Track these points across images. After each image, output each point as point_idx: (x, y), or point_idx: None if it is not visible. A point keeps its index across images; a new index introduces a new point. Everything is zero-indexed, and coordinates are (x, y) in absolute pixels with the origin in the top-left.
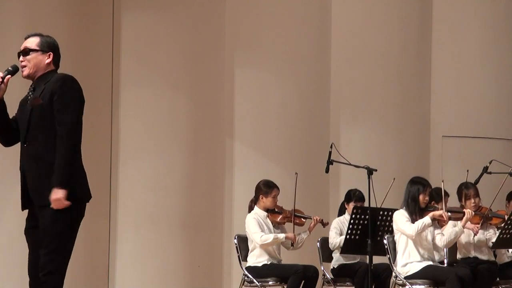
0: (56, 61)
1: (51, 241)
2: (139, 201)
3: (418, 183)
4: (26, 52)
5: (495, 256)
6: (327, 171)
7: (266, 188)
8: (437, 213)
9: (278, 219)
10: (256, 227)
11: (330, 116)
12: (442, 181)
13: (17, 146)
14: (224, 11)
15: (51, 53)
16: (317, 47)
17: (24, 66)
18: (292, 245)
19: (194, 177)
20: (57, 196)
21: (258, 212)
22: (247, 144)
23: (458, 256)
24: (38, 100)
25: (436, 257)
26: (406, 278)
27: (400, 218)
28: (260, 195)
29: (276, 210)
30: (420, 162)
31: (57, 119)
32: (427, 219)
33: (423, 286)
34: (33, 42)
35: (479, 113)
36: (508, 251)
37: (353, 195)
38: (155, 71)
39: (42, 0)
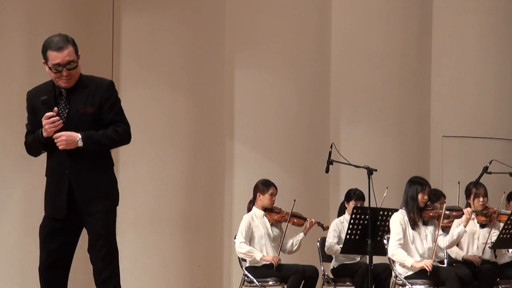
0: None
1: (104, 245)
2: (139, 201)
3: (417, 183)
4: (73, 66)
5: (495, 256)
6: (327, 171)
7: (263, 186)
8: (418, 264)
9: (276, 217)
10: (243, 230)
11: (330, 116)
12: (459, 183)
13: (14, 146)
14: (224, 11)
15: (79, 54)
16: (317, 47)
17: (68, 79)
18: (274, 267)
19: (194, 177)
20: (72, 137)
21: (255, 212)
22: (247, 144)
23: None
24: (89, 109)
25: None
26: (406, 278)
27: (393, 228)
28: (258, 193)
29: (274, 209)
30: (420, 162)
31: (116, 118)
32: (409, 262)
33: (423, 286)
34: (72, 54)
35: (479, 113)
36: (508, 251)
37: (353, 194)
38: (155, 71)
39: (42, 0)
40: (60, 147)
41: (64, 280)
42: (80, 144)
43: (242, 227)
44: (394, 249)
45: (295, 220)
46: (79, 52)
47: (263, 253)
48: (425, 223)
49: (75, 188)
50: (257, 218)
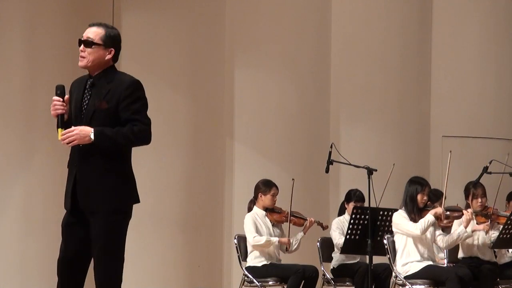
0: (116, 56)
1: (105, 247)
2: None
3: (417, 183)
4: (88, 43)
5: (495, 256)
6: (327, 171)
7: (264, 186)
8: (438, 210)
9: (277, 217)
10: (251, 227)
11: (330, 116)
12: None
13: (14, 145)
14: (224, 11)
15: (112, 49)
16: (317, 47)
17: (83, 57)
18: (286, 249)
19: (194, 177)
20: (84, 132)
21: (257, 211)
22: (247, 144)
23: (461, 255)
24: (104, 104)
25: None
26: (406, 278)
27: (401, 220)
28: (259, 194)
29: (275, 209)
30: (420, 162)
31: (133, 117)
32: (430, 217)
33: (423, 286)
34: (97, 35)
35: (479, 113)
36: (508, 251)
37: (353, 195)
38: (155, 71)
39: (42, 0)
40: (69, 144)
41: (80, 277)
42: (92, 137)
43: (249, 225)
44: (416, 227)
45: (295, 220)
46: (112, 47)
47: (266, 252)
48: None
49: (78, 182)
50: (259, 218)
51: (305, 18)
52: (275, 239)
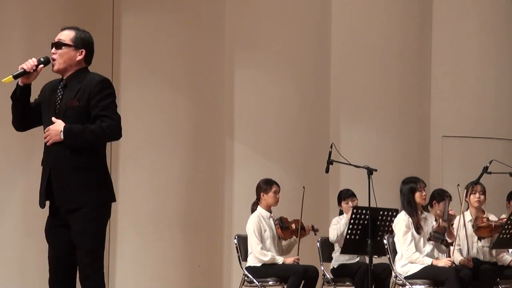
0: (88, 58)
1: (86, 244)
2: (139, 201)
3: (410, 182)
4: (58, 45)
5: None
6: (327, 171)
7: (265, 185)
8: (440, 263)
9: (287, 235)
10: (256, 234)
11: (330, 116)
12: (458, 185)
13: (14, 145)
14: (224, 11)
15: (83, 50)
16: (317, 47)
17: (54, 60)
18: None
19: (194, 177)
20: (55, 131)
21: (261, 212)
22: (247, 144)
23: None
24: (75, 102)
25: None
26: (406, 278)
27: (400, 232)
28: (261, 193)
29: (285, 223)
30: (420, 162)
31: (102, 114)
32: (427, 262)
33: (423, 286)
34: (67, 36)
35: (479, 113)
36: (508, 251)
37: (343, 194)
38: (155, 71)
39: (42, 0)
40: (47, 143)
41: (72, 281)
42: (62, 136)
43: (254, 231)
44: (410, 257)
45: (303, 233)
46: (82, 48)
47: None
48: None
49: (53, 180)
50: (263, 219)
51: (305, 18)
52: (280, 259)
